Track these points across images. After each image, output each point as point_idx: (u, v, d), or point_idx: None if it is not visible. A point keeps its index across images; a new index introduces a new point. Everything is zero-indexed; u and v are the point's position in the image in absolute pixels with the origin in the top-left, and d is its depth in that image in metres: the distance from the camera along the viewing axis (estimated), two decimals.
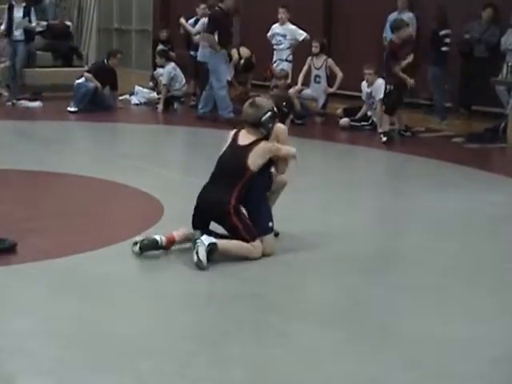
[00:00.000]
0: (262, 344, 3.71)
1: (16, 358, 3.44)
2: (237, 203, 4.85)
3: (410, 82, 9.66)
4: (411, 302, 4.27)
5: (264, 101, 5.10)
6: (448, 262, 4.99)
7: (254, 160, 4.88)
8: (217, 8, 10.85)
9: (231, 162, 4.94)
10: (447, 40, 10.51)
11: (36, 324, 3.82)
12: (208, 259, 4.58)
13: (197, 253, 4.58)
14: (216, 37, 10.68)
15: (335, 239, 5.34)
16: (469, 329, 3.91)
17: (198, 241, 4.62)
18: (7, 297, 4.18)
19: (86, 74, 11.91)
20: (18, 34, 12.18)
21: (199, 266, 4.56)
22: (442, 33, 10.44)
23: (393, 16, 11.42)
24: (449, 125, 10.57)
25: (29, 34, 12.35)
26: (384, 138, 9.56)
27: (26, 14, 12.27)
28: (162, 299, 4.24)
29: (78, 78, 11.99)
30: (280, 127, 5.08)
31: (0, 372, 3.32)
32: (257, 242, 4.83)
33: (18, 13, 12.21)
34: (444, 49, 10.52)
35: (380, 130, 9.73)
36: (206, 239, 4.63)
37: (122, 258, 4.86)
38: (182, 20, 12.58)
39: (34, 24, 12.45)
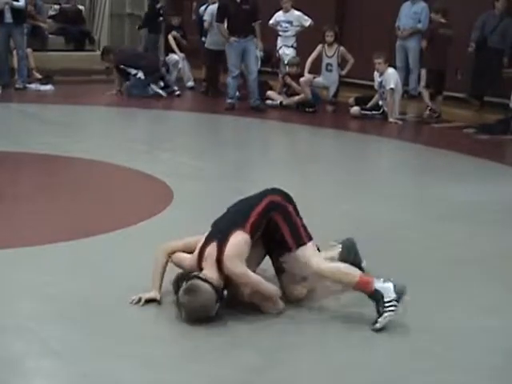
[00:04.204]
0: None
1: (23, 340, 3.45)
2: None
3: None
4: (422, 293, 4.17)
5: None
6: (458, 252, 4.96)
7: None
8: None
9: None
10: (161, 11, 13.46)
11: (44, 305, 3.81)
12: None
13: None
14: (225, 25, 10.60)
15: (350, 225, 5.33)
16: (480, 320, 3.88)
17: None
18: (16, 278, 4.16)
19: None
20: (8, 16, 11.68)
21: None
22: (158, 6, 13.25)
23: (406, 5, 11.40)
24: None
25: (18, 14, 11.81)
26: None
27: None
28: None
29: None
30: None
31: (7, 353, 3.32)
32: None
33: None
34: (160, 19, 13.34)
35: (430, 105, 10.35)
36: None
37: (131, 242, 4.87)
38: None
39: (21, 3, 11.90)
